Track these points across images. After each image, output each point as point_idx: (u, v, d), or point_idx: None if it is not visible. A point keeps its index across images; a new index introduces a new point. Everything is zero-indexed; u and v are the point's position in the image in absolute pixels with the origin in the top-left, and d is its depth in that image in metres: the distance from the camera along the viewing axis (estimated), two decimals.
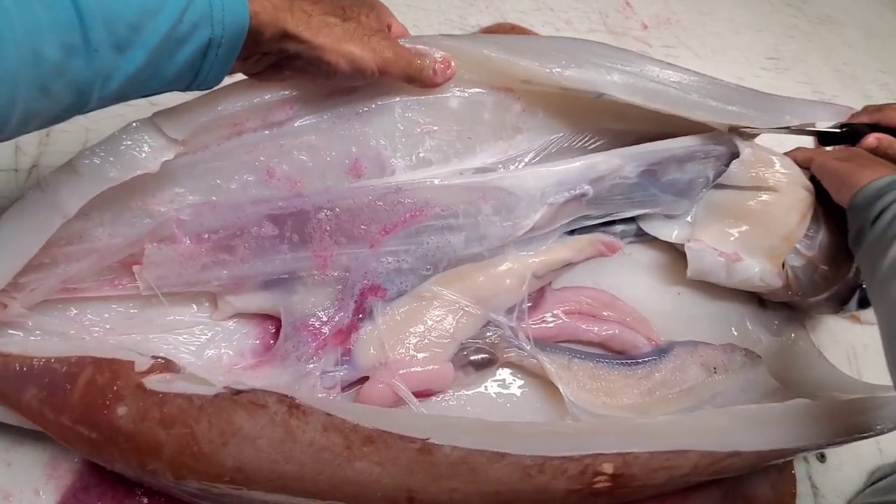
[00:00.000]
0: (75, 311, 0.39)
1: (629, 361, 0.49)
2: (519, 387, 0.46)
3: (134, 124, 0.36)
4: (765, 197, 0.51)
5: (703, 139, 0.49)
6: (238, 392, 0.33)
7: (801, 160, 0.53)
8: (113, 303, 0.40)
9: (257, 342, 0.42)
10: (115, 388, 0.34)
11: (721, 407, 0.47)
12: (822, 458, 0.53)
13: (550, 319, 0.49)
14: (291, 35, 0.34)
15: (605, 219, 0.50)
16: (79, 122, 0.52)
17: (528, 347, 0.44)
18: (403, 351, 0.41)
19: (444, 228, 0.43)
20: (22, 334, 0.37)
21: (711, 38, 0.84)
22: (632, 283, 0.53)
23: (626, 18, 0.85)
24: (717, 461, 0.38)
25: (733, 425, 0.39)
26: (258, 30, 0.32)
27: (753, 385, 0.50)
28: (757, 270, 0.51)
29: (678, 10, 0.88)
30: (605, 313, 0.50)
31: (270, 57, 0.35)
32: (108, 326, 0.39)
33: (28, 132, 0.29)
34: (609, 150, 0.48)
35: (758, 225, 0.52)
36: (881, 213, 0.40)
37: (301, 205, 0.40)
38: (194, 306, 0.42)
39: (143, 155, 0.35)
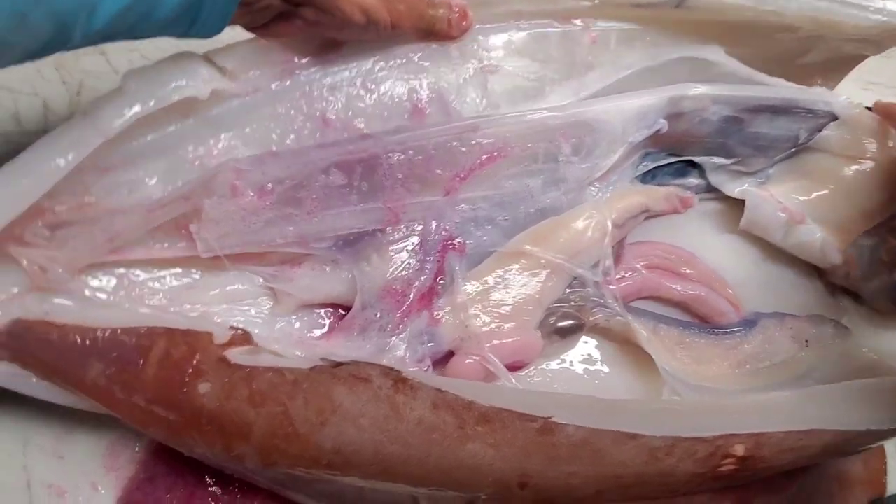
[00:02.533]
0: (128, 281, 0.35)
1: (717, 331, 0.46)
2: (606, 356, 0.42)
3: (182, 53, 0.33)
4: (857, 166, 0.47)
5: (805, 91, 0.45)
6: (338, 364, 0.29)
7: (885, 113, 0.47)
8: (168, 271, 0.36)
9: (330, 312, 0.39)
10: (194, 362, 0.30)
11: (820, 384, 0.44)
12: None
13: (630, 274, 0.45)
14: None
15: (667, 160, 0.46)
16: (113, 79, 0.49)
17: (616, 307, 0.41)
18: (489, 320, 0.38)
19: (523, 173, 0.40)
20: (73, 303, 0.33)
21: None
22: (708, 246, 0.49)
23: None
24: (848, 440, 0.35)
25: (862, 401, 0.36)
26: None
27: (847, 359, 0.47)
28: (818, 236, 0.47)
29: None
30: (686, 270, 0.47)
31: (277, 5, 0.32)
32: (165, 299, 0.35)
33: (1, 66, 0.27)
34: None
35: (839, 192, 0.47)
36: None
37: (371, 148, 0.36)
38: (258, 278, 0.38)
39: (193, 80, 0.33)
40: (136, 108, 0.31)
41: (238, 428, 0.29)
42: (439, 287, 0.38)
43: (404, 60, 0.39)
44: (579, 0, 0.41)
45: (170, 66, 0.33)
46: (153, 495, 0.35)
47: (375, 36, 0.36)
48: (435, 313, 0.37)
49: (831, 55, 0.47)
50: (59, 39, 0.26)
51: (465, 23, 0.39)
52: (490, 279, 0.39)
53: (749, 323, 0.48)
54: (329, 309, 0.39)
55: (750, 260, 0.50)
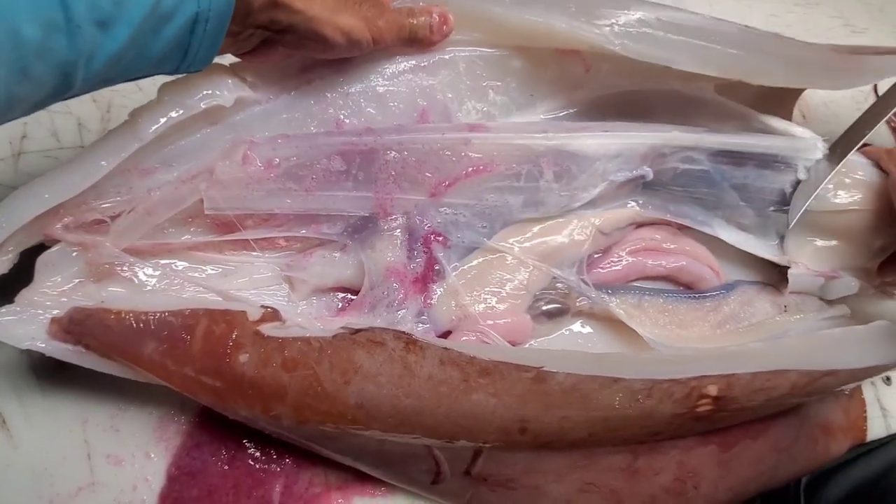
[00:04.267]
0: (171, 270, 0.40)
1: (697, 295, 0.50)
2: (594, 333, 0.46)
3: (212, 65, 0.36)
4: (853, 210, 0.49)
5: (791, 141, 0.47)
6: (356, 331, 0.34)
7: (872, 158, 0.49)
8: (201, 262, 0.41)
9: (341, 295, 0.43)
10: (233, 336, 0.34)
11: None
12: (887, 380, 0.54)
13: (615, 262, 0.49)
14: (283, 4, 0.32)
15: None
16: (138, 96, 0.53)
17: (594, 296, 0.45)
18: (482, 304, 0.42)
19: (505, 189, 0.43)
20: (125, 291, 0.38)
21: None
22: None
23: None
24: (813, 380, 0.39)
25: (827, 346, 0.40)
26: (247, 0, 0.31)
27: (828, 324, 0.50)
28: (854, 285, 0.50)
29: None
30: (669, 246, 0.50)
31: (261, 32, 0.34)
32: (203, 285, 0.40)
33: (11, 119, 0.28)
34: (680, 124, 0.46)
35: (849, 240, 0.50)
36: None
37: (372, 143, 0.40)
38: (277, 267, 0.43)
39: (219, 90, 0.37)
40: (172, 115, 0.35)
41: (275, 391, 0.34)
42: (433, 274, 0.42)
43: (414, 72, 0.42)
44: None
45: (199, 78, 0.37)
46: (200, 458, 0.40)
47: (359, 53, 0.38)
48: (429, 298, 0.41)
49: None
50: (62, 87, 0.27)
51: (445, 27, 0.40)
52: (478, 268, 0.43)
53: (729, 287, 0.52)
54: (340, 293, 0.43)
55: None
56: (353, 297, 0.42)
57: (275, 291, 0.41)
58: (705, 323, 0.49)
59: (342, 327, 0.34)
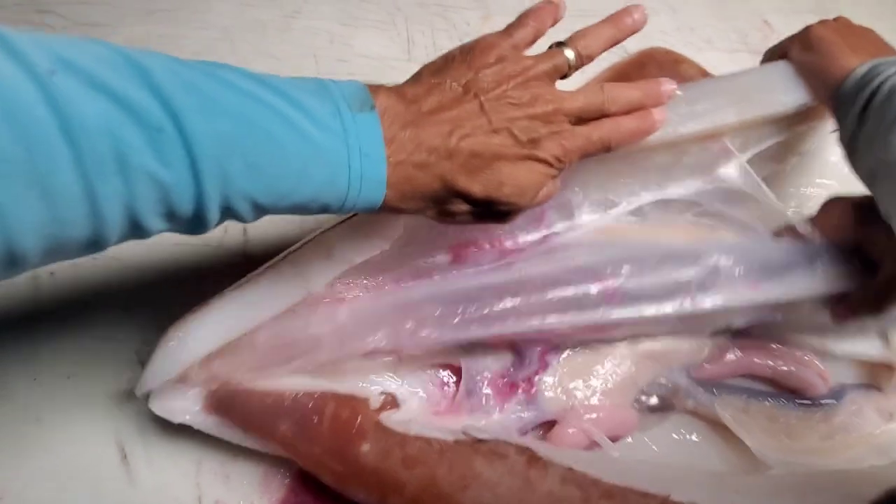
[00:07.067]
0: None
1: (806, 402, 0.49)
2: (703, 441, 0.45)
3: None
4: None
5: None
6: (479, 440, 0.35)
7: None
8: None
9: (446, 390, 0.43)
10: (357, 423, 0.36)
11: None
12: None
13: (725, 359, 0.48)
14: (464, 193, 0.30)
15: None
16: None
17: (702, 398, 0.44)
18: (586, 395, 0.42)
19: None
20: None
21: None
22: None
23: (766, 38, 0.82)
24: None
25: None
26: (394, 208, 0.29)
27: None
28: None
29: None
30: (775, 346, 0.49)
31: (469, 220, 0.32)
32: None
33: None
34: None
35: None
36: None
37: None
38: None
39: None
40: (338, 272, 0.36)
41: (394, 484, 0.35)
42: (540, 372, 0.42)
43: None
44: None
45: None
46: None
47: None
48: (534, 390, 0.41)
49: None
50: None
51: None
52: (585, 360, 0.43)
53: (838, 394, 0.50)
54: (441, 370, 0.43)
55: None
56: (456, 379, 0.42)
57: (390, 377, 0.41)
58: (815, 433, 0.48)
59: (464, 432, 0.35)
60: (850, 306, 0.43)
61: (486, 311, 0.37)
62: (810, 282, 0.42)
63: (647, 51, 0.69)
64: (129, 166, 0.22)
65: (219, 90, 0.24)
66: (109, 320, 0.48)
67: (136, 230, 0.24)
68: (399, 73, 0.65)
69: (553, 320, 0.38)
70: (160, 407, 0.38)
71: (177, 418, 0.38)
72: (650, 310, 0.39)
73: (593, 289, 0.38)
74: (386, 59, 0.66)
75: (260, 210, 0.26)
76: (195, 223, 0.25)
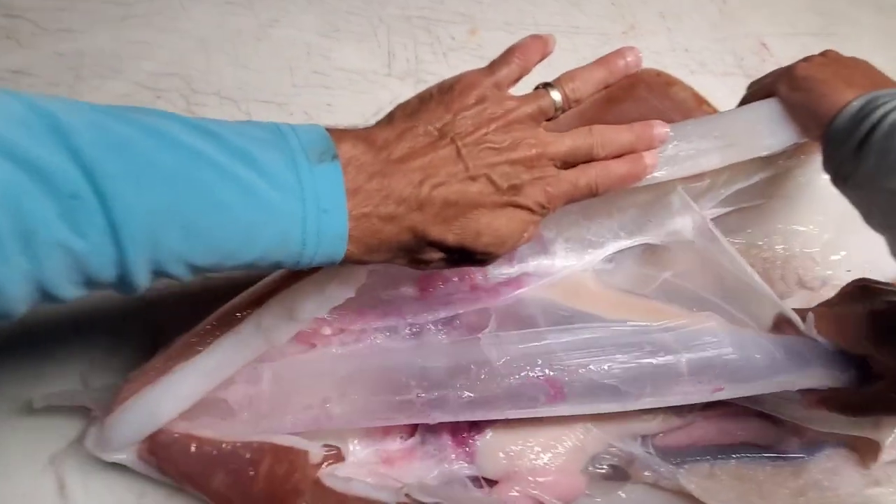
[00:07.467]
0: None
1: (775, 456, 0.47)
2: (657, 499, 0.43)
3: None
4: None
5: None
6: None
7: None
8: None
9: (398, 440, 0.41)
10: (293, 479, 0.34)
11: None
12: None
13: (684, 425, 0.45)
14: (438, 243, 0.28)
15: None
16: None
17: (662, 471, 0.42)
18: (531, 458, 0.40)
19: None
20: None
21: None
22: None
23: (763, 61, 0.80)
24: None
25: None
26: (359, 261, 0.28)
27: None
28: None
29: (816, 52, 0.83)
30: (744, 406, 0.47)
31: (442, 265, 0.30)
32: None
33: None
34: None
35: None
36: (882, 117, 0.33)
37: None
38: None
39: None
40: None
41: None
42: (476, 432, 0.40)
43: None
44: None
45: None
46: None
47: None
48: (473, 447, 0.39)
49: None
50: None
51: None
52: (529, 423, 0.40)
53: (812, 449, 0.48)
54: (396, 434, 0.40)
55: None
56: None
57: None
58: (784, 489, 0.46)
59: (406, 495, 0.33)
60: (827, 402, 0.41)
61: (433, 395, 0.35)
62: (794, 381, 0.40)
63: (638, 72, 0.67)
64: (37, 242, 0.20)
65: (154, 149, 0.22)
66: (57, 339, 0.47)
67: (50, 299, 0.22)
68: (377, 87, 0.64)
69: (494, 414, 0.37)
70: (94, 444, 0.36)
71: (111, 457, 0.36)
72: (592, 408, 0.37)
73: (541, 397, 0.36)
74: (364, 72, 0.64)
75: (199, 271, 0.24)
76: (122, 287, 0.23)
